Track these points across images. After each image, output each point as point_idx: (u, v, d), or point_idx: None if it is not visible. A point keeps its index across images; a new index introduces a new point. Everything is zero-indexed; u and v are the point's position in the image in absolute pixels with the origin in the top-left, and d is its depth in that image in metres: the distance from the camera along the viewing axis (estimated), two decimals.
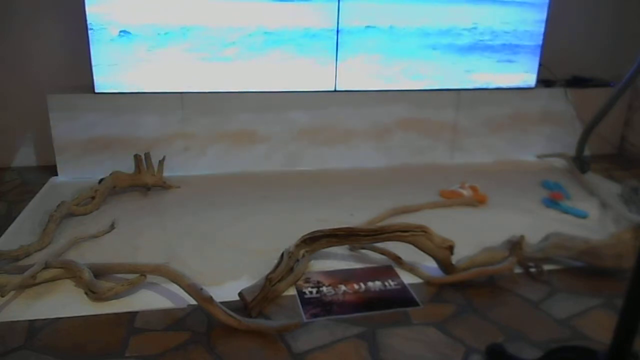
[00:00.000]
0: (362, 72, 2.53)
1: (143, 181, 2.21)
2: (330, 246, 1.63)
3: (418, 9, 2.50)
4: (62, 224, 1.87)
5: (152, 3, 2.25)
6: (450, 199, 2.18)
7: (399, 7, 2.48)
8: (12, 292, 1.43)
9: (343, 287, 1.52)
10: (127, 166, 2.26)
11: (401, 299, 1.48)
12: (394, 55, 2.53)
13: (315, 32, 2.42)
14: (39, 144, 2.56)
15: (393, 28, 2.50)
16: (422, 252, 1.56)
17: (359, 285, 1.53)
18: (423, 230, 1.56)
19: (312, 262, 1.65)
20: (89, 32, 2.23)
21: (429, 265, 1.60)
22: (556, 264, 1.66)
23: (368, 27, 2.46)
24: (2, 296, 1.38)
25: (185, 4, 2.28)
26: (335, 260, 1.68)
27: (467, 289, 1.52)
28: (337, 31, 2.43)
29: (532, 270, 1.62)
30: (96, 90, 2.31)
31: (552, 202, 2.15)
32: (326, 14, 2.40)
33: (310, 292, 1.49)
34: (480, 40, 2.61)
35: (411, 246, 1.57)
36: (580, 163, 2.58)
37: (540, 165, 2.73)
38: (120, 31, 2.25)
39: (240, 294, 1.39)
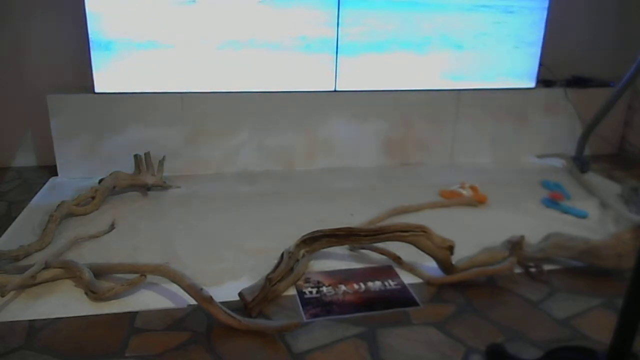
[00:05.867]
0: (362, 73, 2.53)
1: (143, 181, 2.21)
2: (330, 246, 1.63)
3: (417, 12, 2.50)
4: (62, 224, 1.87)
5: (153, 8, 2.25)
6: (450, 199, 2.18)
7: (398, 11, 2.48)
8: (12, 292, 1.43)
9: (343, 287, 1.52)
10: (127, 166, 2.26)
11: (401, 299, 1.48)
12: (394, 55, 2.53)
13: (316, 34, 2.42)
14: (39, 144, 2.56)
15: (393, 30, 2.50)
16: (422, 252, 1.56)
17: (359, 285, 1.53)
18: (423, 230, 1.55)
19: (312, 262, 1.65)
20: (89, 31, 2.23)
21: (429, 265, 1.60)
22: (556, 264, 1.66)
23: (368, 29, 2.47)
24: (2, 296, 1.38)
25: (189, 7, 2.28)
26: (335, 260, 1.68)
27: (467, 289, 1.52)
28: (337, 32, 2.43)
29: (532, 270, 1.62)
30: (96, 90, 2.32)
31: (552, 202, 2.15)
32: (326, 18, 2.40)
33: (310, 292, 1.49)
34: (481, 41, 2.61)
35: (411, 246, 1.57)
36: (580, 163, 2.58)
37: (540, 165, 2.73)
38: (120, 31, 2.26)
39: (240, 294, 1.39)
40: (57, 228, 1.81)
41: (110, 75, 2.30)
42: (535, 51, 2.70)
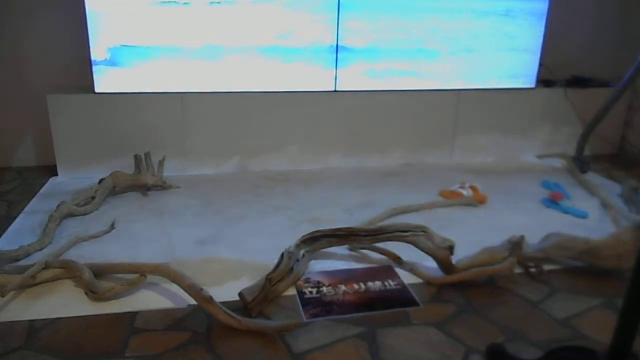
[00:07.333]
0: (362, 73, 2.53)
1: (143, 181, 2.21)
2: (330, 246, 1.63)
3: (415, 20, 2.50)
4: (62, 224, 1.87)
5: (153, 8, 2.25)
6: (450, 199, 2.18)
7: (399, 12, 2.48)
8: (12, 292, 1.43)
9: (343, 287, 1.52)
10: (127, 166, 2.26)
11: (401, 299, 1.48)
12: (394, 55, 2.54)
13: (317, 36, 2.42)
14: (39, 144, 2.56)
15: (393, 30, 2.50)
16: (422, 252, 1.56)
17: (359, 285, 1.53)
18: (423, 230, 1.56)
19: (312, 262, 1.64)
20: (89, 31, 2.23)
21: (429, 265, 1.60)
22: (556, 264, 1.66)
23: (367, 32, 2.47)
24: (2, 296, 1.38)
25: (192, 8, 2.28)
26: (335, 260, 1.68)
27: (467, 289, 1.52)
28: (337, 34, 2.43)
29: (532, 270, 1.62)
30: (96, 90, 2.32)
31: (552, 202, 2.15)
32: (327, 20, 2.41)
33: (310, 292, 1.49)
34: (481, 41, 2.61)
35: (411, 246, 1.57)
36: (580, 163, 2.58)
37: (540, 165, 2.73)
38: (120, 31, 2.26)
39: (240, 294, 1.39)
40: (57, 228, 1.81)
41: (110, 75, 2.30)
42: (535, 51, 2.70)
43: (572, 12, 2.89)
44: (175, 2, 2.27)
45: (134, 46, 2.29)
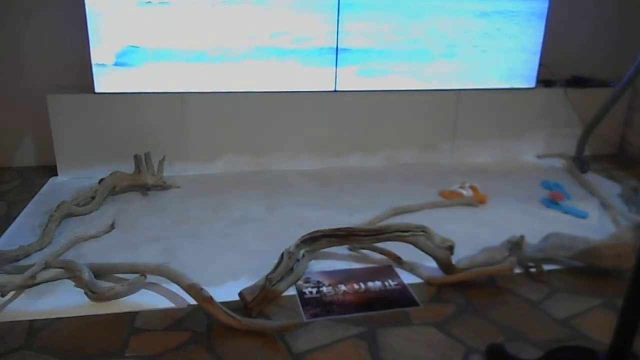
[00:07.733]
0: (362, 73, 2.53)
1: (143, 181, 2.21)
2: (330, 246, 1.63)
3: (416, 20, 2.50)
4: (62, 224, 1.87)
5: (153, 8, 2.25)
6: (450, 199, 2.18)
7: (399, 13, 2.48)
8: (12, 292, 1.43)
9: (343, 287, 1.52)
10: (127, 166, 2.26)
11: (401, 299, 1.48)
12: (394, 55, 2.53)
13: (317, 36, 2.42)
14: (39, 144, 2.56)
15: (394, 30, 2.50)
16: (422, 252, 1.56)
17: (359, 285, 1.53)
18: (423, 230, 1.56)
19: (312, 262, 1.64)
20: (89, 31, 2.23)
21: (429, 265, 1.60)
22: (556, 264, 1.66)
23: (368, 34, 2.47)
24: (2, 296, 1.38)
25: (192, 8, 2.28)
26: (335, 260, 1.68)
27: (467, 289, 1.52)
28: (337, 34, 2.43)
29: (532, 270, 1.62)
30: (96, 90, 2.32)
31: (552, 202, 2.15)
32: (326, 20, 2.41)
33: (310, 292, 1.49)
34: (481, 41, 2.61)
35: (411, 246, 1.57)
36: (580, 163, 2.58)
37: (540, 165, 2.73)
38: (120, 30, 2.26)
39: (240, 294, 1.39)
40: (57, 228, 1.81)
41: (110, 75, 2.30)
42: (535, 51, 2.69)
43: (572, 12, 2.89)
44: (175, 2, 2.27)
45: (134, 46, 2.29)
